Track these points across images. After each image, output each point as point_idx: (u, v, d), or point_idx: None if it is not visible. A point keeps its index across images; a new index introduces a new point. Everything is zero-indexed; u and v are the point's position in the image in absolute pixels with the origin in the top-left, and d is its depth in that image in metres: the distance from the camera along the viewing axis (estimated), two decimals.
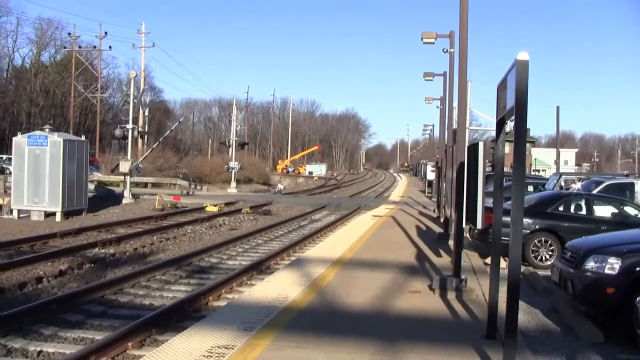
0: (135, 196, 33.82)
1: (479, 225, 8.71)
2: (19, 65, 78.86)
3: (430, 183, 44.24)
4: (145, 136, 57.45)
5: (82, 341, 8.62)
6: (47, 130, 25.75)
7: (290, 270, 12.03)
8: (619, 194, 19.07)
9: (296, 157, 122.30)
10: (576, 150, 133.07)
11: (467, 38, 12.86)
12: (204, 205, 30.12)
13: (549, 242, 15.05)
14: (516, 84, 5.78)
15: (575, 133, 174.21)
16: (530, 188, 25.26)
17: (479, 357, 6.82)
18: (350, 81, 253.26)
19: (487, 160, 9.39)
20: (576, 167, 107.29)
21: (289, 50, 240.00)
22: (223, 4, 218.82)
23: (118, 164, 34.13)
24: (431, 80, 28.80)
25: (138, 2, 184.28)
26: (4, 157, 51.60)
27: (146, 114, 63.97)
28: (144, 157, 41.50)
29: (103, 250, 16.42)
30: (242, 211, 28.97)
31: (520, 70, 5.75)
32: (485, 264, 13.76)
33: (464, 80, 13.07)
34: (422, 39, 20.76)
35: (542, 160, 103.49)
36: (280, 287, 10.24)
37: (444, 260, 13.67)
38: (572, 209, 16.25)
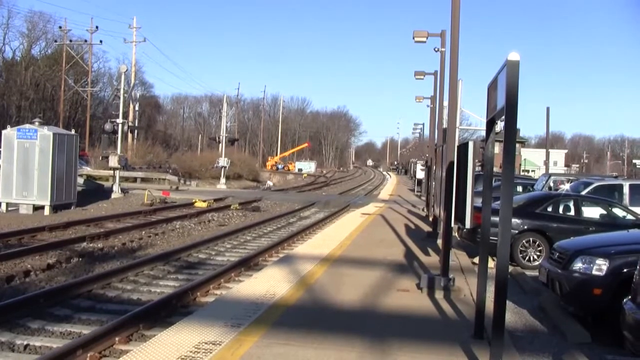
0: (124, 191, 33.69)
1: (468, 224, 8.75)
2: (10, 58, 78.43)
3: (419, 182, 44.30)
4: (135, 131, 57.30)
5: (69, 335, 8.59)
6: (36, 123, 25.65)
7: (278, 267, 12.02)
8: (608, 195, 19.14)
9: (286, 154, 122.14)
10: (566, 151, 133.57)
11: (458, 37, 12.86)
12: (193, 200, 30.04)
13: (537, 242, 15.11)
14: (506, 84, 5.78)
15: (565, 134, 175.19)
16: (519, 188, 25.38)
17: (466, 356, 6.84)
18: (341, 79, 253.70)
19: (476, 160, 9.42)
20: (565, 168, 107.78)
21: (280, 47, 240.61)
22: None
23: (107, 156, 34.02)
24: (422, 79, 28.80)
25: None
26: None
27: (136, 108, 64.06)
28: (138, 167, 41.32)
29: (91, 245, 16.36)
30: (231, 207, 28.94)
31: (511, 70, 5.76)
32: (474, 263, 13.80)
33: (454, 79, 13.07)
34: (413, 38, 20.78)
35: (531, 160, 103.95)
36: (268, 284, 10.24)
37: (432, 259, 13.70)
38: (560, 210, 16.32)
